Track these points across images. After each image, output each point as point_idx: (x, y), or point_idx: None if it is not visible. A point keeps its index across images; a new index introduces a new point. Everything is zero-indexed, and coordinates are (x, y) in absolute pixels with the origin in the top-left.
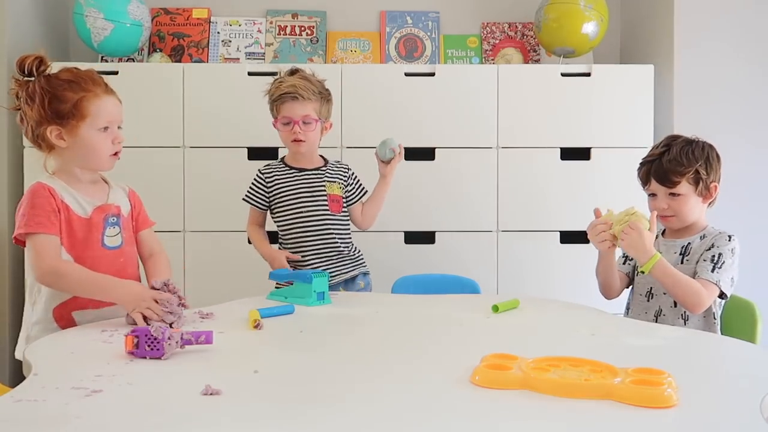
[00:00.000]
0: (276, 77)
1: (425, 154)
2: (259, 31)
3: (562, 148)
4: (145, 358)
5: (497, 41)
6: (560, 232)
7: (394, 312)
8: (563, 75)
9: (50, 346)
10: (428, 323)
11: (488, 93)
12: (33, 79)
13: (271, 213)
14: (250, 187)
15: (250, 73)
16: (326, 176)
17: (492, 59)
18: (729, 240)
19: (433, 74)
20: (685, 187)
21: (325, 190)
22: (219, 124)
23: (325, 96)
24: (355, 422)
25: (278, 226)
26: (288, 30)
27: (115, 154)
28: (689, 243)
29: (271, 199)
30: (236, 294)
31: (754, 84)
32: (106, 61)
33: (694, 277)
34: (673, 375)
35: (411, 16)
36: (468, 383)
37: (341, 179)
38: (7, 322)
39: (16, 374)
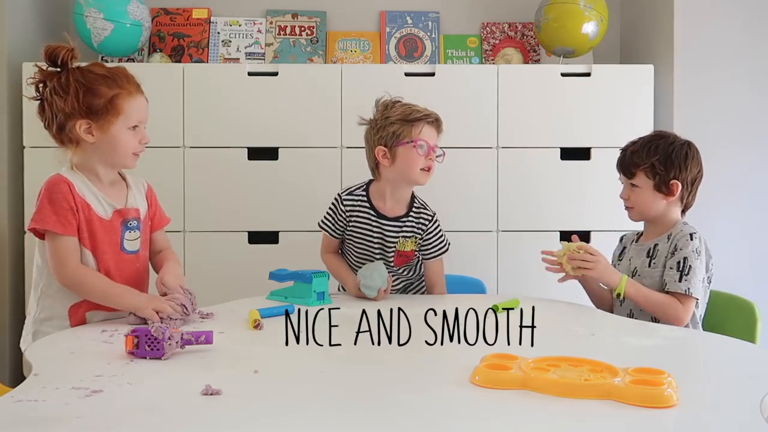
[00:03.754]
0: (384, 100)
1: None
2: (259, 31)
3: (562, 148)
4: (146, 358)
5: (497, 41)
6: (560, 232)
7: (395, 312)
8: (563, 75)
9: (50, 346)
10: (428, 323)
11: (488, 93)
12: (60, 70)
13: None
14: (328, 214)
15: (250, 73)
16: (404, 230)
17: (492, 59)
18: (690, 239)
19: (433, 74)
20: (641, 179)
21: (395, 246)
22: (219, 124)
23: None
24: (356, 422)
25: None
26: (288, 30)
27: (140, 153)
28: (656, 244)
29: (345, 230)
30: (236, 294)
31: (754, 84)
32: (106, 61)
33: (662, 284)
34: (673, 375)
35: (411, 16)
36: (468, 383)
37: (418, 233)
38: (8, 322)
39: (17, 374)
